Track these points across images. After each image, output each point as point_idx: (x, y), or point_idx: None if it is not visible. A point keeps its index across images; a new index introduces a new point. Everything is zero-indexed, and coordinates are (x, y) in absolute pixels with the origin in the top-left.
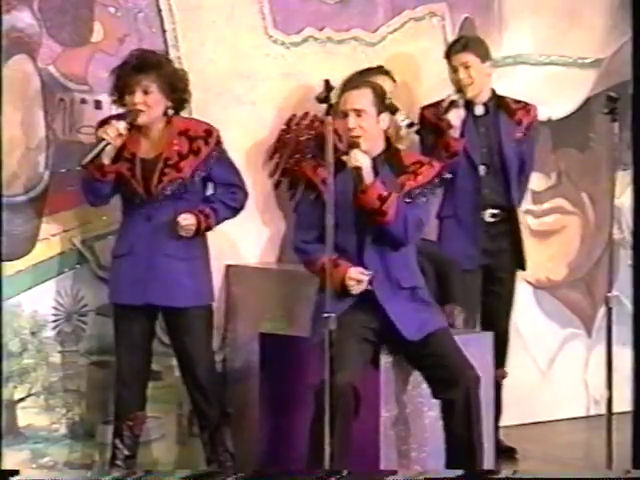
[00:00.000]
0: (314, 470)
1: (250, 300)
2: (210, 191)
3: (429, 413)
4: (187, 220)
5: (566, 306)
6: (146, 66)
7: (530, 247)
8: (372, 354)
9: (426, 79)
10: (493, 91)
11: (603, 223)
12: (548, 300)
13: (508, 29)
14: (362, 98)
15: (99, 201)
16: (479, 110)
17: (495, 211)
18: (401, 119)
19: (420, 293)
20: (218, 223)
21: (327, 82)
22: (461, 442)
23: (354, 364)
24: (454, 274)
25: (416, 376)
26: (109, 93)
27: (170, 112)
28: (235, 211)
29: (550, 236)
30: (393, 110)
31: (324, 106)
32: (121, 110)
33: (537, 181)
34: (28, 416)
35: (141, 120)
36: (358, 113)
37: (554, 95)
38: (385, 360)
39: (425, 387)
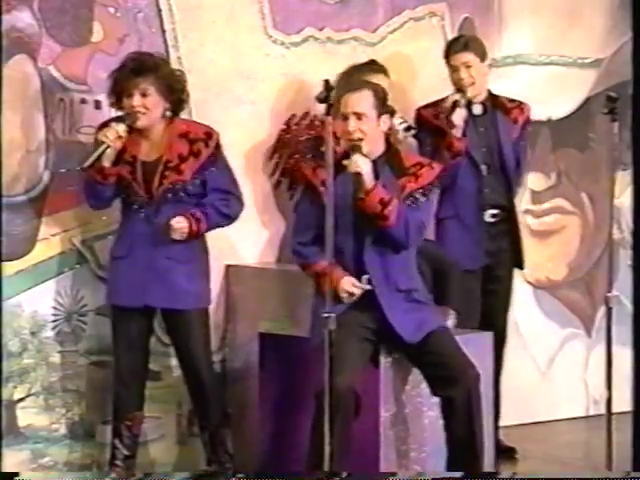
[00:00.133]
0: (315, 472)
1: (250, 300)
2: None
3: (429, 413)
4: (180, 223)
5: (566, 306)
6: (143, 69)
7: (530, 247)
8: (372, 354)
9: (426, 79)
10: (489, 91)
11: (603, 223)
12: (548, 300)
13: (508, 29)
14: (363, 101)
15: (101, 204)
16: (478, 109)
17: (495, 211)
18: (398, 122)
19: (417, 295)
20: (209, 228)
21: (327, 82)
22: (463, 440)
23: (354, 365)
24: (452, 275)
25: (415, 375)
26: (107, 96)
27: (168, 113)
28: (228, 219)
29: (550, 236)
30: (390, 112)
31: (324, 106)
32: (120, 113)
33: (537, 181)
34: (28, 416)
35: (140, 123)
36: (358, 116)
37: (554, 95)
38: (384, 360)
39: (424, 387)
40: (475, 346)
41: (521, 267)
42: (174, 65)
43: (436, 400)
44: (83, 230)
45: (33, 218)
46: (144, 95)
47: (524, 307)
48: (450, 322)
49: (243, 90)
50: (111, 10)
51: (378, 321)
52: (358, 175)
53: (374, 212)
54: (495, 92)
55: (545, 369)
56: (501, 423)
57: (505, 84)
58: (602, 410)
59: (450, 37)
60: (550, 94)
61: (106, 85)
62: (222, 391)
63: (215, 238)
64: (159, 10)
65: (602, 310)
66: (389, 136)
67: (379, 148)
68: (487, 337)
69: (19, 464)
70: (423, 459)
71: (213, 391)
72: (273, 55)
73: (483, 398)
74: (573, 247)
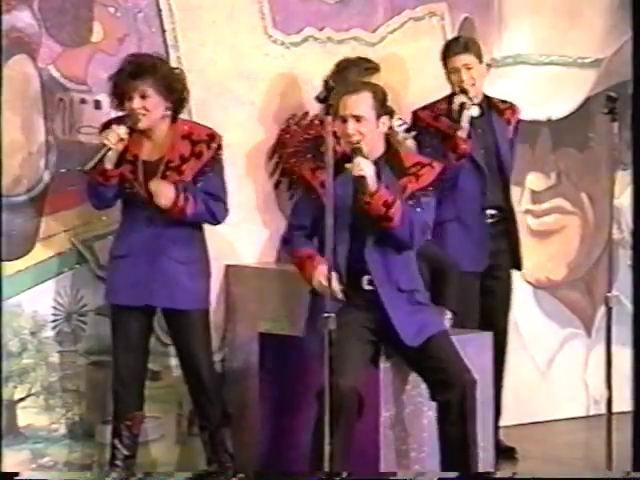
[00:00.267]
0: (317, 472)
1: (249, 300)
2: None
3: (428, 413)
4: (168, 187)
5: (566, 306)
6: (141, 71)
7: (530, 247)
8: (372, 354)
9: (426, 79)
10: (483, 92)
11: (603, 223)
12: (548, 300)
13: (508, 29)
14: (361, 104)
15: (104, 205)
16: (476, 111)
17: (493, 212)
18: (398, 124)
19: (418, 296)
20: (194, 216)
21: (327, 82)
22: (455, 444)
23: (356, 366)
24: (451, 276)
25: (415, 376)
26: (110, 100)
27: (169, 113)
28: (214, 219)
29: (550, 236)
30: (390, 113)
31: (324, 106)
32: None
33: (537, 181)
34: (28, 416)
35: (142, 125)
36: (357, 119)
37: (554, 95)
38: (384, 360)
39: (425, 387)
40: (475, 346)
41: (519, 268)
42: (174, 65)
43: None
44: (83, 230)
45: (33, 218)
46: (143, 97)
47: (524, 307)
48: (447, 322)
49: (243, 90)
50: (111, 10)
51: (379, 322)
52: (362, 178)
53: (378, 214)
54: (491, 93)
55: (545, 369)
56: (501, 423)
57: (505, 84)
58: (602, 410)
59: (450, 37)
60: (550, 94)
61: (106, 85)
62: (222, 391)
63: (215, 238)
64: (159, 10)
65: (602, 310)
66: (389, 137)
67: (379, 149)
68: (487, 337)
69: (19, 464)
70: (423, 459)
71: (213, 391)
72: (273, 55)
73: (482, 400)
74: (573, 247)
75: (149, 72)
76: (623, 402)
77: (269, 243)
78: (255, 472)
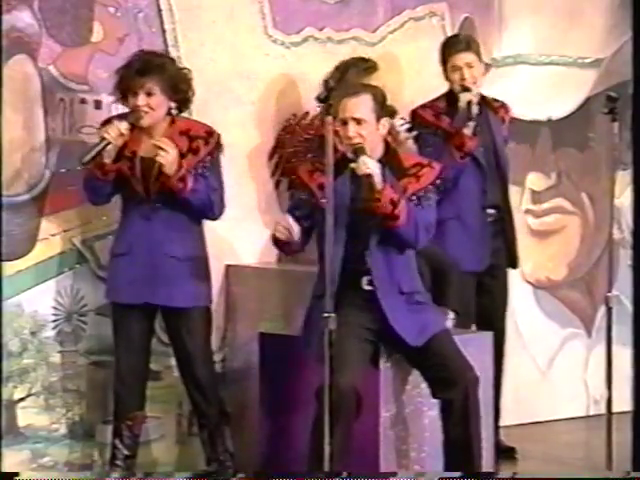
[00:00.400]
0: (315, 472)
1: (250, 300)
2: None
3: (429, 413)
4: (171, 148)
5: (566, 306)
6: (149, 69)
7: (530, 247)
8: (372, 354)
9: (426, 79)
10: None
11: (603, 223)
12: (548, 300)
13: (508, 29)
14: (361, 106)
15: (101, 200)
16: (475, 109)
17: (492, 211)
18: (400, 124)
19: (418, 297)
20: (194, 194)
21: (327, 82)
22: (459, 442)
23: (355, 365)
24: (451, 276)
25: (415, 376)
26: (112, 92)
27: (174, 112)
28: (212, 211)
29: (550, 236)
30: (392, 113)
31: (324, 106)
32: (125, 110)
33: (537, 181)
34: (28, 416)
35: (144, 122)
36: (358, 121)
37: (554, 95)
38: (384, 360)
39: (425, 387)
40: (475, 346)
41: (515, 266)
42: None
43: (436, 400)
44: (83, 230)
45: (33, 218)
46: (149, 95)
47: (524, 307)
48: (449, 322)
49: (243, 90)
50: (111, 10)
51: (379, 322)
52: (369, 177)
53: (385, 212)
54: (491, 93)
55: (545, 369)
56: (501, 423)
57: (505, 84)
58: (602, 410)
59: None
60: (550, 94)
61: (106, 85)
62: (219, 390)
63: (215, 238)
64: (159, 10)
65: (602, 310)
66: (387, 138)
67: (378, 151)
68: (487, 337)
69: (19, 464)
70: (423, 459)
71: (210, 389)
72: (273, 55)
73: (482, 400)
74: (573, 247)
75: (157, 70)
76: (623, 402)
77: (269, 243)
78: (255, 472)
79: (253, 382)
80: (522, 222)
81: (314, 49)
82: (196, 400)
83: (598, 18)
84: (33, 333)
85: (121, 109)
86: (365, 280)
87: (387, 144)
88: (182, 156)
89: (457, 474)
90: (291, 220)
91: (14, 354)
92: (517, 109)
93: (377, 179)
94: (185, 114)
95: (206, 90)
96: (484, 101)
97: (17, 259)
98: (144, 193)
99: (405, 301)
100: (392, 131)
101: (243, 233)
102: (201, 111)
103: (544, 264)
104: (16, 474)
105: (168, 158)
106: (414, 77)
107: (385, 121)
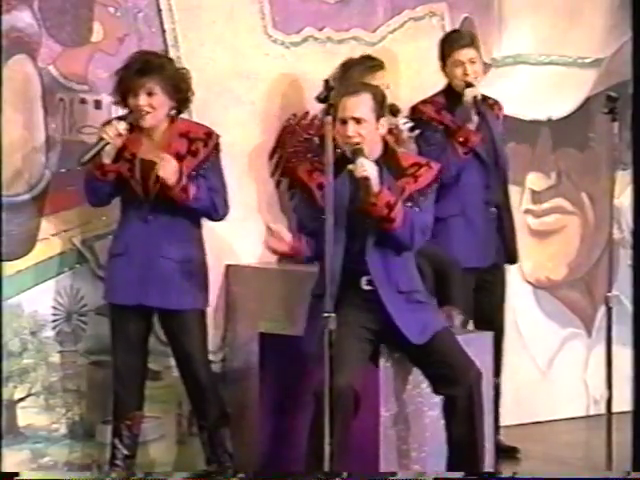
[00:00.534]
0: (313, 472)
1: (250, 300)
2: None
3: (429, 412)
4: (172, 161)
5: (566, 306)
6: (149, 69)
7: (530, 247)
8: (371, 354)
9: (426, 79)
10: None
11: (603, 223)
12: (548, 300)
13: (508, 29)
14: (361, 106)
15: (100, 201)
16: (481, 104)
17: (492, 208)
18: (403, 122)
19: (417, 296)
20: (197, 202)
21: (327, 82)
22: (464, 440)
23: (354, 364)
24: (454, 275)
25: (416, 375)
26: (112, 95)
27: (173, 112)
28: (215, 212)
29: (550, 236)
30: (395, 112)
31: (324, 106)
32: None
33: (537, 181)
34: (28, 416)
35: (147, 122)
36: (357, 121)
37: (554, 95)
38: (385, 360)
39: (425, 386)
40: (475, 346)
41: (513, 262)
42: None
43: (437, 400)
44: (83, 230)
45: (33, 218)
46: (150, 94)
47: (524, 307)
48: (457, 321)
49: (243, 90)
50: (111, 10)
51: (379, 322)
52: (366, 179)
53: (381, 215)
54: (492, 93)
55: (545, 369)
56: (501, 423)
57: (505, 84)
58: (602, 410)
59: None
60: (550, 94)
61: (106, 85)
62: (219, 391)
63: (215, 238)
64: (159, 10)
65: (602, 310)
66: (387, 137)
67: (377, 150)
68: (487, 337)
69: (19, 464)
70: (423, 459)
71: (210, 391)
72: (273, 55)
73: (485, 397)
74: (573, 247)
75: (157, 70)
76: (623, 402)
77: None
78: (255, 472)
79: (253, 382)
80: (522, 222)
81: (314, 49)
82: (196, 401)
83: (598, 18)
84: (33, 333)
85: (122, 110)
86: (364, 280)
87: (386, 143)
88: (181, 158)
89: (457, 474)
90: (282, 227)
91: (14, 354)
92: (517, 109)
93: (374, 182)
94: (185, 114)
95: (206, 90)
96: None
97: (17, 259)
98: (143, 195)
99: (405, 300)
100: (395, 130)
101: (243, 233)
102: (201, 111)
103: (544, 264)
104: (16, 474)
105: (168, 170)
106: (414, 77)
107: (384, 120)
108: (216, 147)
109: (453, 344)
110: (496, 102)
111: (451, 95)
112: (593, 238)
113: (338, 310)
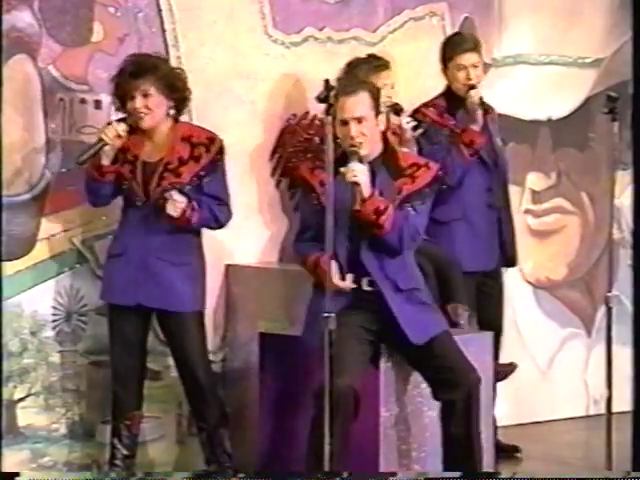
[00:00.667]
0: (313, 472)
1: (250, 300)
2: None
3: (429, 413)
4: (180, 197)
5: (566, 306)
6: (142, 70)
7: (530, 247)
8: (372, 354)
9: (426, 79)
10: None
11: (603, 223)
12: (548, 300)
13: (508, 29)
14: (361, 105)
15: (100, 201)
16: (487, 105)
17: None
18: (406, 121)
19: (419, 295)
20: (199, 223)
21: (327, 82)
22: (459, 443)
23: (354, 365)
24: (455, 273)
25: (416, 376)
26: (112, 102)
27: (172, 112)
28: (218, 223)
29: (550, 236)
30: (398, 111)
31: (324, 106)
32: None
33: (537, 181)
34: (28, 416)
35: (145, 124)
36: (359, 120)
37: (554, 95)
38: (385, 360)
39: (425, 387)
40: (475, 346)
41: (514, 264)
42: (174, 65)
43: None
44: (83, 230)
45: (33, 218)
46: (145, 96)
47: (524, 307)
48: (464, 318)
49: (243, 90)
50: (111, 10)
51: (380, 322)
52: (356, 185)
53: (369, 221)
54: (492, 93)
55: (545, 369)
56: (501, 423)
57: (505, 84)
58: (602, 410)
59: None
60: (550, 94)
61: (106, 85)
62: (218, 391)
63: (215, 238)
64: (159, 10)
65: (602, 310)
66: (389, 136)
67: (377, 148)
68: (487, 337)
69: (19, 464)
70: (423, 459)
71: (209, 392)
72: (273, 55)
73: (482, 400)
74: (573, 247)
75: (150, 71)
76: (623, 402)
77: (270, 243)
78: (255, 472)
79: (253, 382)
80: (522, 222)
81: (314, 49)
82: (196, 402)
83: (598, 18)
84: (33, 333)
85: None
86: (365, 281)
87: (386, 142)
88: (184, 163)
89: (457, 474)
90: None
91: (14, 354)
92: (517, 109)
93: (364, 187)
94: (185, 114)
95: (206, 90)
96: None
97: (17, 259)
98: (144, 197)
99: (405, 298)
100: (398, 130)
101: (243, 233)
102: (201, 111)
103: (544, 264)
104: (16, 474)
105: (176, 209)
106: (414, 77)
107: (382, 117)
108: (220, 152)
109: (453, 348)
110: (489, 105)
111: (451, 98)
112: (593, 238)
113: (338, 310)
